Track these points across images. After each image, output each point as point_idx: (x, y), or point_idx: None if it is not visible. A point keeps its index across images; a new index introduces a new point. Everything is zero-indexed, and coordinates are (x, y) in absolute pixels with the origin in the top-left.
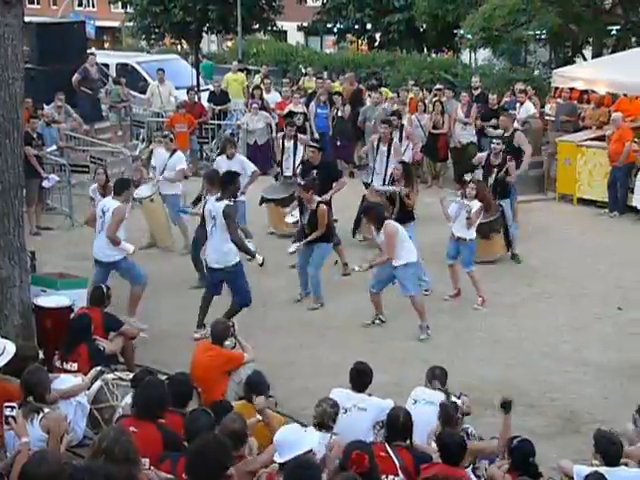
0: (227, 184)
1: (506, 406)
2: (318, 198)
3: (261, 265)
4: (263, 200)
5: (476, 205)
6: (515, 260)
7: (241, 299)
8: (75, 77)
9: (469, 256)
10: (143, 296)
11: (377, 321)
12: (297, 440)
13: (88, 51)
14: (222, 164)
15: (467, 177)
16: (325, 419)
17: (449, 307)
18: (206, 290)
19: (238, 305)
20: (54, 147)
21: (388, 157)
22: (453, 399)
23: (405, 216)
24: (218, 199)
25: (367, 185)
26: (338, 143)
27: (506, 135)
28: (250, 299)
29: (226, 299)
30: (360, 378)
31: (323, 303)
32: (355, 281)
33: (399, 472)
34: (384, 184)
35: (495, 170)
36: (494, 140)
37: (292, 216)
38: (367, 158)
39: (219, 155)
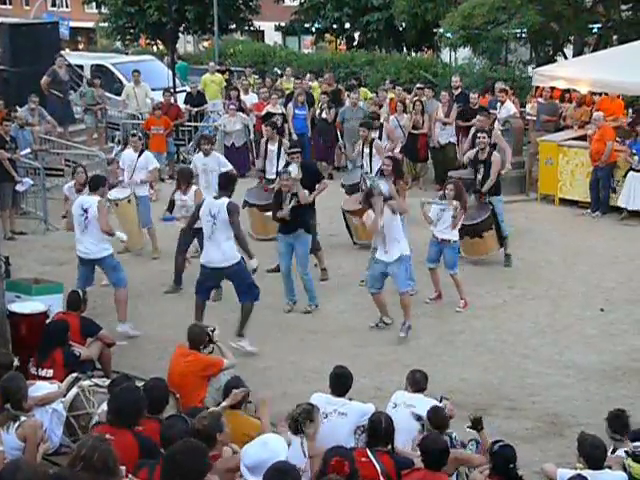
0: (227, 184)
1: (476, 424)
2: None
3: (254, 271)
4: (246, 204)
5: (457, 205)
6: (506, 261)
7: (251, 295)
8: (44, 79)
9: (454, 258)
10: None
11: (381, 324)
12: (270, 457)
13: (62, 52)
14: (198, 162)
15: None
16: (291, 425)
17: (431, 310)
18: (198, 297)
19: (250, 301)
20: (28, 150)
21: (371, 159)
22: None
23: None
24: (217, 197)
25: (350, 191)
26: (321, 143)
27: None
28: (258, 293)
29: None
30: (340, 382)
31: (317, 304)
32: (336, 285)
33: (380, 477)
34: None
35: (482, 166)
36: (478, 134)
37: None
38: (350, 160)
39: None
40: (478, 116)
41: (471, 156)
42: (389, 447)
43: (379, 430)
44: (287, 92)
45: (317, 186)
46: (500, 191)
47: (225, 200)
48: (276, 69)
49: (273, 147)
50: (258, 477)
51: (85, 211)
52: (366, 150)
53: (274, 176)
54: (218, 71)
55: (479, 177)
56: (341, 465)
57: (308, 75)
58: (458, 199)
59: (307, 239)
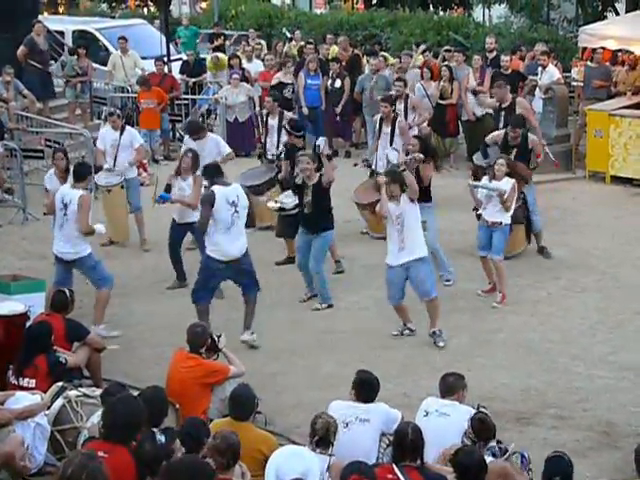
0: (219, 171)
1: None
2: (319, 173)
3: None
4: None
5: (508, 183)
6: (544, 254)
7: (256, 284)
8: (20, 50)
9: (501, 243)
10: (110, 301)
11: (407, 331)
12: (304, 473)
13: (39, 17)
14: (190, 143)
15: (476, 161)
16: (329, 433)
17: (463, 305)
18: (201, 303)
19: (256, 291)
20: None
21: (392, 139)
22: None
23: (420, 196)
24: (226, 184)
25: (372, 172)
26: (337, 118)
27: (504, 107)
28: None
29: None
30: (365, 390)
31: (332, 304)
32: (356, 278)
33: None
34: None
35: (514, 151)
36: (510, 131)
37: (275, 202)
38: (367, 137)
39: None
40: (494, 88)
41: (498, 140)
42: (418, 462)
43: (405, 443)
44: (297, 59)
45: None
46: (531, 177)
47: (236, 185)
48: (285, 32)
49: (273, 122)
50: None
51: (65, 206)
52: (386, 129)
53: (275, 155)
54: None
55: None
56: None
57: (329, 37)
58: (511, 175)
59: (329, 234)
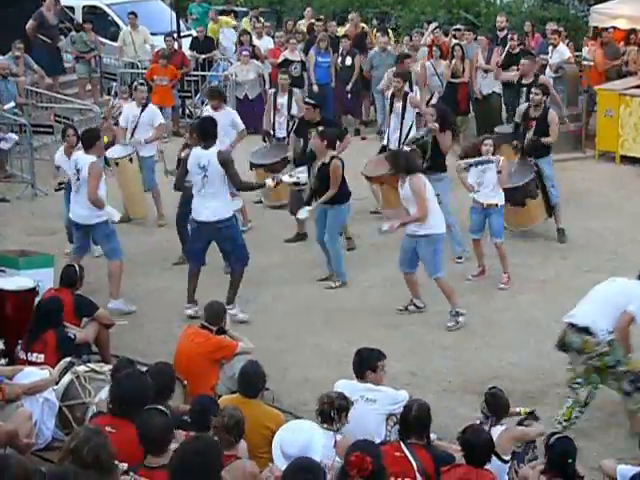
0: (211, 131)
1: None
2: (333, 152)
3: (276, 185)
4: (252, 165)
5: (500, 158)
6: (560, 236)
7: (242, 256)
8: (29, 24)
9: (500, 224)
10: None
11: (412, 307)
12: (305, 445)
13: None
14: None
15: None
16: (324, 407)
17: (472, 285)
18: (192, 263)
19: (241, 265)
20: (12, 104)
21: (404, 114)
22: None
23: (437, 166)
24: (205, 147)
25: (383, 148)
26: (349, 96)
27: (525, 83)
28: (248, 256)
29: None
30: (363, 367)
31: (345, 282)
32: (365, 256)
33: (416, 474)
34: (399, 143)
35: (534, 124)
36: (533, 90)
37: (290, 176)
38: (377, 115)
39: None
40: (522, 60)
41: (520, 114)
42: (425, 440)
43: (409, 419)
44: (307, 36)
45: (338, 143)
46: (549, 151)
47: (214, 150)
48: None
49: (282, 100)
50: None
51: (78, 171)
52: (398, 104)
53: (284, 133)
54: (222, 12)
55: (529, 135)
56: (362, 461)
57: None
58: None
59: (342, 209)
